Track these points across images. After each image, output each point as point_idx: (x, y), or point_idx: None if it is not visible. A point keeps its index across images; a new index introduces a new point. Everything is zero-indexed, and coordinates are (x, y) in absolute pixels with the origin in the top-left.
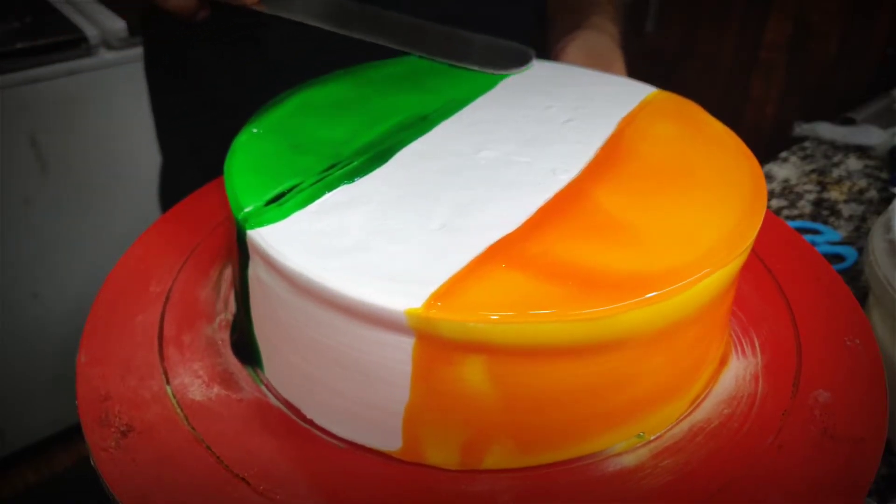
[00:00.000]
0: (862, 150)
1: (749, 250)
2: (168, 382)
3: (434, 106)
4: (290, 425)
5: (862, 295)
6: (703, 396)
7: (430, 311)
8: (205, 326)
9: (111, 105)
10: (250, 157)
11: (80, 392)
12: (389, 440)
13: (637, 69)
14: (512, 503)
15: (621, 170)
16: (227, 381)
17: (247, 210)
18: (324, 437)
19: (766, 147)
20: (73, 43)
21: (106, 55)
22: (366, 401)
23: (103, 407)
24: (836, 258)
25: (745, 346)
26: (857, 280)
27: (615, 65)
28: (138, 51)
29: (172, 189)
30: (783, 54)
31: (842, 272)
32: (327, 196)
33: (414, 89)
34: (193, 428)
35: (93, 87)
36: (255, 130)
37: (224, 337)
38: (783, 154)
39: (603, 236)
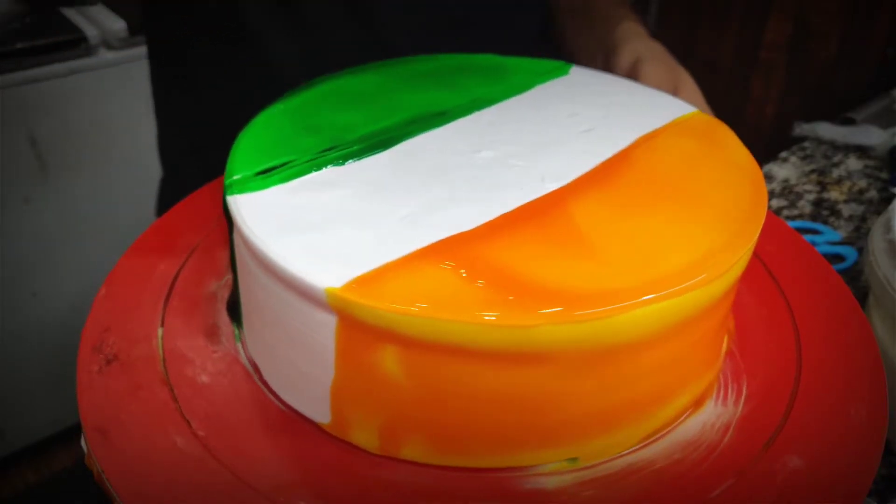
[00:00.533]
0: (862, 150)
1: (726, 283)
2: (162, 325)
3: (456, 103)
4: (249, 384)
5: (862, 295)
6: (657, 436)
7: (346, 292)
8: (212, 282)
9: (111, 105)
10: (262, 133)
11: (89, 320)
12: (321, 413)
13: None
14: (412, 497)
15: (613, 184)
16: (211, 334)
17: (235, 178)
18: (273, 399)
19: (766, 147)
20: (73, 43)
21: (106, 55)
22: (303, 372)
23: (101, 336)
24: (836, 258)
25: (729, 393)
26: (857, 280)
27: (683, 78)
28: (138, 51)
29: (174, 187)
30: (783, 54)
31: (842, 272)
32: (313, 175)
33: (443, 86)
34: (166, 369)
35: (93, 87)
36: (280, 106)
37: (225, 294)
38: (783, 154)
39: (557, 248)
